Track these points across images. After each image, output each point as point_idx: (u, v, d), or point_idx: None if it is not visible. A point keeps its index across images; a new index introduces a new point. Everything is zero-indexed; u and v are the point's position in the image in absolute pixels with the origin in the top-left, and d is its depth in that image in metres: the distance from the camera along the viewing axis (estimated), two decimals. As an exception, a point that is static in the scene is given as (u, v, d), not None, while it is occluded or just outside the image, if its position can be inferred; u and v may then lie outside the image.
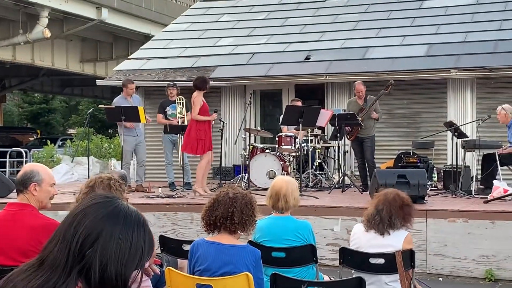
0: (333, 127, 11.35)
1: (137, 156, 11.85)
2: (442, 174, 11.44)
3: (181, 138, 11.20)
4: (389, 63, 13.19)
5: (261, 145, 12.27)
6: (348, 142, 11.31)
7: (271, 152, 11.51)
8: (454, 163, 10.20)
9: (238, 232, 4.05)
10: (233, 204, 4.02)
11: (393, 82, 11.07)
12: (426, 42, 13.68)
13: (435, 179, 11.76)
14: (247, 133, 11.45)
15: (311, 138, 11.86)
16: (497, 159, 9.99)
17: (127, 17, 26.01)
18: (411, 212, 4.90)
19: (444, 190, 10.47)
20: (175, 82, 12.39)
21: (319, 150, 12.36)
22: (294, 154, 11.88)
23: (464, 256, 7.92)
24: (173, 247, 5.32)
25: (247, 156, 11.31)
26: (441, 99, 13.03)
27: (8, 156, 19.81)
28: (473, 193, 9.88)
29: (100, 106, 15.95)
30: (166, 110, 11.87)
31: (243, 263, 3.97)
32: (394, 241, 4.76)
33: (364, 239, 4.90)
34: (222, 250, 4.02)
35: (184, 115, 11.51)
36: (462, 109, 12.75)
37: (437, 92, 13.07)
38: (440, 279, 7.96)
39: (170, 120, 11.74)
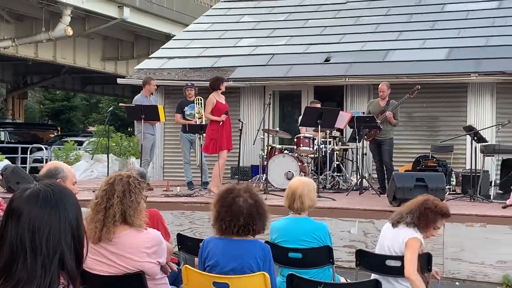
0: (351, 129, 11.34)
1: (149, 155, 11.87)
2: (461, 178, 11.38)
3: (199, 137, 11.28)
4: (409, 66, 13.16)
5: (280, 146, 12.29)
6: (366, 144, 11.30)
7: (289, 153, 11.53)
8: (473, 167, 10.16)
9: (247, 233, 4.06)
10: (248, 212, 3.98)
11: (419, 87, 11.00)
12: (447, 46, 13.63)
13: (454, 183, 11.71)
14: (266, 134, 11.48)
15: (330, 139, 11.86)
16: (517, 164, 9.94)
17: (149, 17, 26.16)
18: (432, 219, 4.73)
19: (463, 195, 10.43)
20: (193, 83, 12.47)
21: (337, 152, 12.35)
22: (312, 155, 11.89)
23: (481, 261, 7.89)
24: (190, 246, 5.36)
25: (265, 156, 11.34)
26: (461, 103, 12.98)
27: (29, 152, 20.02)
28: (491, 198, 9.84)
29: (120, 104, 16.05)
30: (184, 110, 11.94)
31: (252, 256, 3.98)
32: (399, 237, 4.74)
33: (385, 233, 4.94)
34: (230, 245, 4.04)
35: (202, 115, 11.57)
36: (482, 113, 12.68)
37: (457, 96, 13.02)
38: (457, 283, 7.93)
39: (188, 120, 11.81)
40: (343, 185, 11.90)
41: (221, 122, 10.32)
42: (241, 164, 12.91)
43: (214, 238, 4.16)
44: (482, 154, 10.55)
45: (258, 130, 12.13)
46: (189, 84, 12.21)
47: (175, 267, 4.64)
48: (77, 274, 2.06)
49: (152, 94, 12.03)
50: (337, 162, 12.44)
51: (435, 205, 4.74)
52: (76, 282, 2.06)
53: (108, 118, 12.26)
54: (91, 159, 15.63)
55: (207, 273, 3.97)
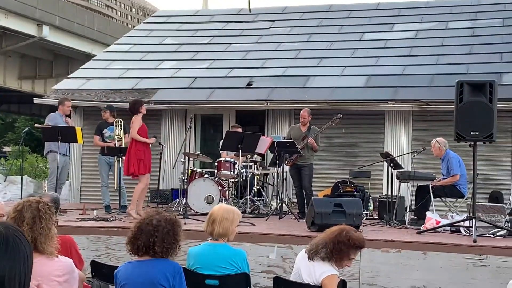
0: (272, 154, 11.40)
1: (60, 177, 11.47)
2: (378, 203, 11.61)
3: (118, 160, 11.09)
4: (329, 93, 13.39)
5: (200, 170, 12.22)
6: (286, 169, 11.38)
7: (210, 177, 11.48)
8: (389, 193, 10.38)
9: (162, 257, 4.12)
10: (154, 234, 4.07)
11: (341, 116, 11.20)
12: (366, 74, 13.96)
13: (371, 208, 11.93)
14: (187, 157, 11.40)
15: (250, 164, 11.89)
16: (431, 190, 10.22)
17: (69, 35, 25.75)
18: (346, 252, 4.73)
19: (379, 220, 10.62)
20: (110, 104, 12.30)
21: (258, 177, 12.39)
22: (233, 179, 11.88)
23: (396, 285, 8.02)
24: (104, 273, 5.22)
25: (185, 180, 11.24)
26: (379, 130, 13.28)
27: None
28: (406, 223, 10.06)
29: (36, 125, 15.63)
30: (103, 132, 11.73)
31: (161, 273, 4.03)
32: (316, 271, 4.72)
33: (300, 263, 4.91)
34: (140, 264, 4.11)
35: (122, 138, 11.39)
36: (398, 140, 13.01)
37: (375, 123, 13.32)
38: (373, 308, 8.03)
39: (107, 142, 11.60)
40: (263, 210, 11.91)
41: (145, 147, 10.14)
42: (161, 188, 12.77)
43: (126, 263, 4.24)
44: (398, 180, 10.80)
45: (179, 154, 12.05)
46: (104, 106, 12.04)
47: (87, 296, 4.52)
48: None
49: (68, 115, 11.77)
50: (258, 187, 12.46)
51: (348, 238, 4.73)
52: None
53: (23, 139, 11.92)
54: (4, 180, 15.11)
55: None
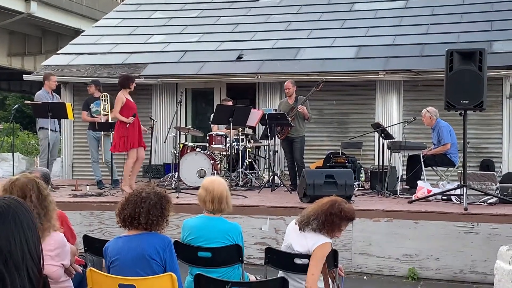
0: (263, 127, 11.40)
1: (51, 153, 11.50)
2: (369, 174, 11.66)
3: (106, 135, 11.10)
4: (319, 64, 13.35)
5: (192, 144, 12.22)
6: (278, 141, 11.39)
7: (202, 151, 11.48)
8: (381, 163, 10.42)
9: (148, 230, 4.12)
10: (141, 205, 4.08)
11: (324, 80, 11.22)
12: (356, 44, 13.91)
13: (363, 179, 11.98)
14: (178, 132, 11.39)
15: (242, 137, 11.89)
16: (422, 160, 10.26)
17: (57, 11, 25.49)
18: (337, 224, 4.74)
19: (371, 190, 10.68)
20: (94, 79, 12.26)
21: (249, 150, 12.40)
22: (224, 153, 11.89)
23: (388, 255, 8.10)
24: (98, 247, 5.22)
25: (177, 154, 11.24)
26: (370, 101, 13.28)
27: None
28: (398, 193, 10.11)
29: (26, 101, 15.54)
30: (90, 107, 11.70)
31: (151, 246, 4.03)
32: (308, 242, 4.74)
33: (292, 234, 4.92)
34: (129, 240, 4.11)
35: (108, 112, 11.36)
36: (389, 110, 13.02)
37: (366, 94, 13.31)
38: (365, 277, 8.11)
39: (94, 117, 11.57)
40: (255, 182, 11.96)
41: (127, 124, 10.10)
42: (153, 162, 12.78)
43: (115, 238, 4.22)
44: (389, 151, 10.83)
45: (170, 128, 12.03)
46: (90, 81, 12.02)
47: (79, 268, 4.55)
48: (40, 280, 2.19)
49: (55, 91, 11.72)
50: (250, 160, 12.49)
51: (340, 210, 4.73)
52: (39, 286, 2.17)
53: (13, 116, 11.86)
54: (-4, 158, 15.08)
55: (112, 275, 3.89)
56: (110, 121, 11.05)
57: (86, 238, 5.36)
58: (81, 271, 4.58)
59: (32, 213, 2.23)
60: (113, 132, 10.66)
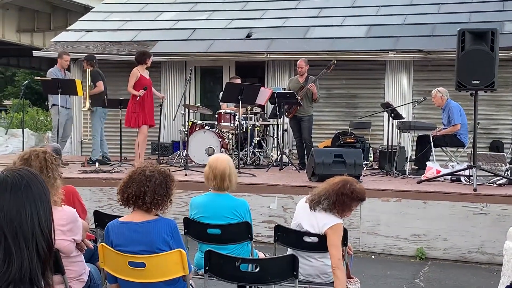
0: (272, 106, 11.39)
1: (65, 130, 11.67)
2: (378, 154, 11.64)
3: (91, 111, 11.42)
4: (329, 43, 13.28)
5: (200, 122, 12.21)
6: (287, 120, 11.38)
7: (210, 129, 11.48)
8: (390, 143, 10.40)
9: (153, 210, 3.98)
10: (146, 183, 3.92)
11: (335, 62, 11.16)
12: (366, 24, 13.83)
13: (371, 159, 11.97)
14: (187, 109, 11.39)
15: (251, 115, 11.87)
16: (431, 140, 10.23)
17: (67, -13, 25.36)
18: (348, 205, 4.75)
19: (379, 170, 10.67)
20: (87, 55, 12.25)
21: (258, 128, 12.39)
22: (233, 131, 11.89)
23: (396, 235, 8.11)
24: (107, 222, 5.24)
25: (186, 132, 11.25)
26: (379, 80, 13.23)
27: None
28: (407, 173, 10.10)
29: (36, 77, 15.56)
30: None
31: (159, 236, 3.90)
32: (318, 221, 4.74)
33: (302, 213, 4.92)
34: (135, 229, 3.94)
35: (87, 87, 11.48)
36: (399, 90, 12.97)
37: (376, 73, 13.26)
38: (373, 257, 8.14)
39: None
40: (263, 161, 11.96)
41: (138, 97, 10.16)
42: (161, 140, 12.79)
43: (117, 222, 4.03)
44: (398, 131, 10.81)
45: (179, 106, 12.03)
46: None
47: (91, 244, 4.57)
48: (50, 256, 2.12)
49: (67, 69, 11.79)
50: (258, 138, 12.48)
51: (352, 191, 4.72)
52: (48, 265, 2.12)
53: (23, 92, 11.87)
54: (6, 133, 15.12)
55: (123, 253, 3.90)
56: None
57: (96, 214, 5.40)
58: (92, 247, 4.61)
59: (46, 186, 2.19)
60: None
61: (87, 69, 11.69)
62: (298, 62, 11.33)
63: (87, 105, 11.36)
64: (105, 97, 11.36)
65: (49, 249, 2.11)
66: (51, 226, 2.15)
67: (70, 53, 12.40)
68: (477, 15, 13.32)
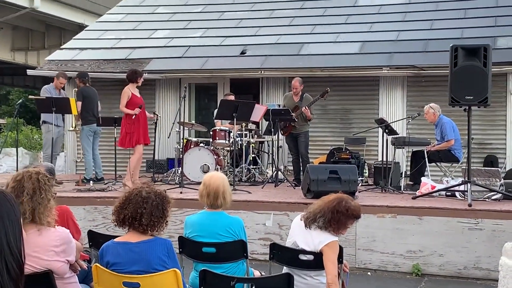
0: (267, 122, 11.40)
1: (54, 148, 11.59)
2: (373, 170, 11.65)
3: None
4: (323, 60, 13.33)
5: (195, 139, 12.22)
6: (282, 137, 11.39)
7: (205, 146, 11.48)
8: (385, 159, 10.40)
9: (148, 232, 3.95)
10: (143, 205, 3.89)
11: (329, 90, 11.16)
12: (360, 40, 13.89)
13: (366, 174, 11.97)
14: (181, 127, 11.39)
15: (246, 132, 11.88)
16: (426, 156, 10.24)
17: (61, 6, 25.42)
18: (343, 222, 4.73)
19: (375, 186, 10.67)
20: (79, 72, 12.28)
21: (253, 145, 12.39)
22: (228, 148, 11.89)
23: (392, 251, 8.09)
24: (102, 242, 5.19)
25: (181, 149, 11.24)
26: (373, 96, 13.27)
27: None
28: (402, 189, 10.10)
29: (30, 96, 15.55)
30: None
31: (154, 256, 3.88)
32: (314, 239, 4.72)
33: (297, 231, 4.90)
34: (130, 249, 3.91)
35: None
36: (393, 106, 13.01)
37: (370, 89, 13.30)
38: (369, 273, 8.11)
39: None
40: (259, 178, 11.95)
41: (134, 116, 10.12)
42: (156, 157, 12.77)
43: (113, 243, 4.00)
44: (393, 146, 10.82)
45: (174, 123, 12.02)
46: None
47: (84, 265, 4.55)
48: (21, 276, 2.09)
49: (63, 89, 11.85)
50: (253, 155, 12.48)
51: (347, 209, 4.71)
52: (21, 284, 2.09)
53: (17, 111, 11.85)
54: (0, 153, 15.08)
55: (117, 273, 3.87)
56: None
57: (90, 233, 5.37)
58: (86, 267, 4.58)
59: (17, 206, 2.16)
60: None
61: (79, 86, 11.71)
62: (292, 82, 11.33)
63: (73, 123, 11.41)
64: (99, 116, 11.40)
65: (19, 268, 2.07)
66: (21, 246, 2.12)
67: (64, 71, 12.43)
68: (470, 31, 13.39)
